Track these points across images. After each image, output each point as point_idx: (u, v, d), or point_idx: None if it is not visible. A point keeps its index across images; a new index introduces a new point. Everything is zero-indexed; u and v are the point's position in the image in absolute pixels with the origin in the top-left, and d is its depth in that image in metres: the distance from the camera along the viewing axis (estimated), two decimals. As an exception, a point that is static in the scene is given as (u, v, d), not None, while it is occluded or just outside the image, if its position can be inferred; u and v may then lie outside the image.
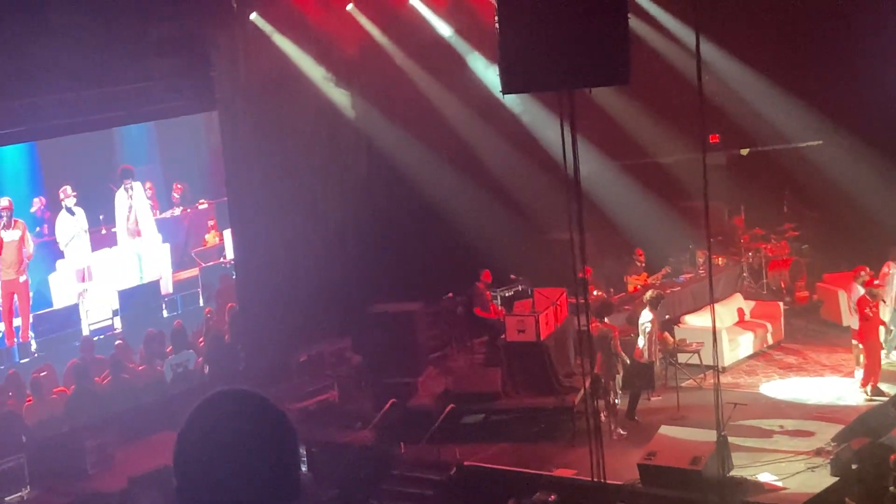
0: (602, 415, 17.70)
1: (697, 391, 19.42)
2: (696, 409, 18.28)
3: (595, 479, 13.80)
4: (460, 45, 24.28)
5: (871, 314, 18.94)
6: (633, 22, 13.99)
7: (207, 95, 20.86)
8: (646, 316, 18.86)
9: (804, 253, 25.05)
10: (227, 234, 22.50)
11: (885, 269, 20.14)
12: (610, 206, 24.45)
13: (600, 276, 23.13)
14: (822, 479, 15.74)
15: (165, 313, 21.83)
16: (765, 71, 24.50)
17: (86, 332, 20.47)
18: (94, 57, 18.32)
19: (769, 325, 21.84)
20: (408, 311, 20.40)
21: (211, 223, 23.24)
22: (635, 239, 24.16)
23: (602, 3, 12.64)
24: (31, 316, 19.96)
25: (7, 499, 17.09)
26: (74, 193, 20.36)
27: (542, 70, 12.69)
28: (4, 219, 19.28)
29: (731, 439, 16.24)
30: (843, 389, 19.18)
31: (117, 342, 20.61)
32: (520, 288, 22.75)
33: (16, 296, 19.75)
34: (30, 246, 19.74)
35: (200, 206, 23.37)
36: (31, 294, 20.14)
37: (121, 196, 21.25)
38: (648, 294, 19.42)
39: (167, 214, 22.78)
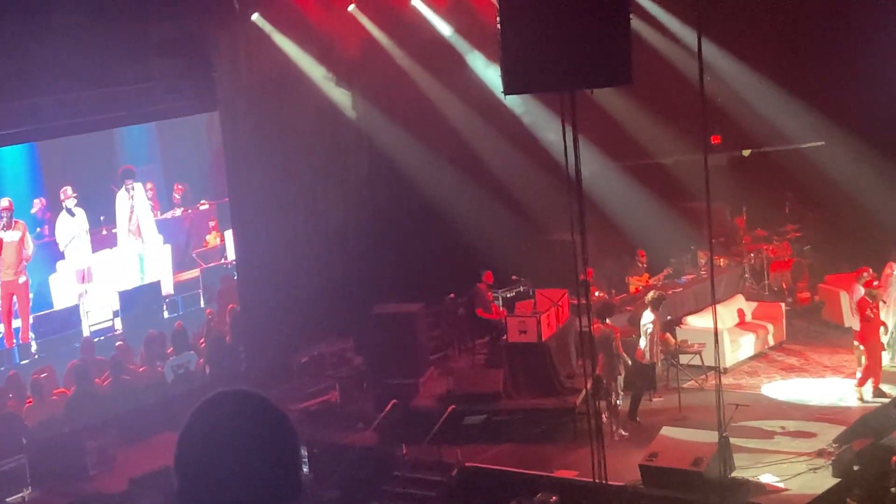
0: (603, 416, 17.68)
1: (699, 392, 19.41)
2: (698, 410, 18.27)
3: (597, 480, 13.80)
4: (460, 45, 24.26)
5: (871, 315, 18.93)
6: (635, 23, 13.95)
7: (208, 96, 20.85)
8: (647, 317, 18.84)
9: (806, 254, 25.05)
10: (229, 234, 22.48)
11: (887, 270, 20.12)
12: (611, 206, 24.43)
13: (602, 276, 23.12)
14: (824, 481, 15.73)
15: (166, 314, 21.80)
16: (766, 72, 24.51)
17: (86, 333, 20.44)
18: (94, 57, 18.32)
19: (771, 326, 21.82)
20: (409, 311, 20.39)
21: (212, 224, 23.22)
22: (637, 240, 24.15)
23: (603, 3, 12.64)
24: (31, 317, 19.93)
25: (8, 499, 17.09)
26: (75, 194, 20.33)
27: (543, 71, 12.70)
28: (4, 219, 19.25)
29: (732, 440, 16.23)
30: (845, 390, 19.16)
31: (118, 343, 20.58)
32: (521, 289, 22.73)
33: (15, 297, 19.71)
34: (29, 247, 19.71)
35: (201, 207, 23.34)
36: (31, 295, 20.10)
37: (122, 197, 21.22)
38: (650, 295, 19.41)
39: (168, 215, 22.75)
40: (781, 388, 19.82)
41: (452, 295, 22.49)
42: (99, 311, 20.83)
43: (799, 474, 16.04)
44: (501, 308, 22.10)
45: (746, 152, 25.46)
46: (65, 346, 20.13)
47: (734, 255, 24.64)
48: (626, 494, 15.92)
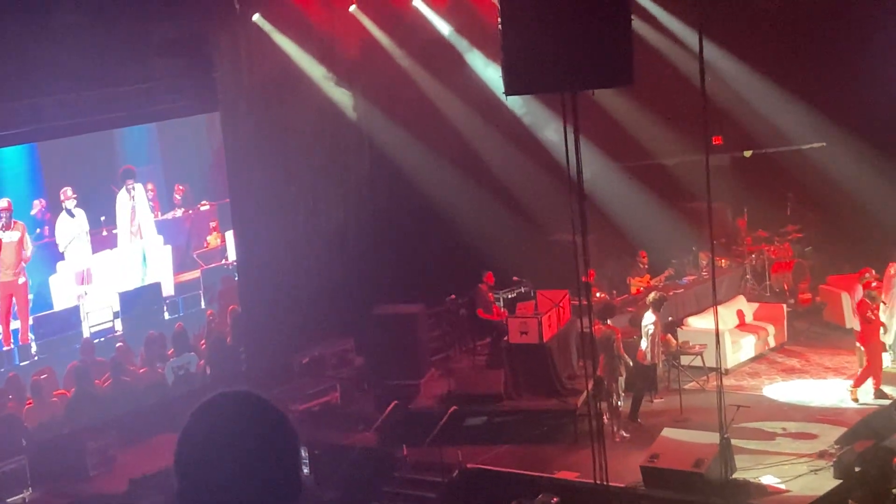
0: (605, 417, 17.68)
1: (700, 393, 19.39)
2: (699, 412, 18.24)
3: (598, 482, 13.78)
4: (460, 44, 24.24)
5: (872, 317, 18.91)
6: (636, 23, 13.92)
7: (209, 96, 20.83)
8: (648, 318, 18.83)
9: (807, 255, 25.03)
10: (229, 235, 22.46)
11: (890, 271, 20.09)
12: (613, 207, 24.42)
13: (603, 277, 23.10)
14: (825, 482, 15.71)
15: (167, 315, 21.78)
16: (768, 72, 24.50)
17: (86, 334, 20.42)
18: (95, 57, 18.30)
19: (772, 328, 21.81)
20: (410, 312, 20.39)
21: (213, 224, 23.20)
22: (638, 241, 24.14)
23: (605, 4, 12.63)
24: (30, 318, 19.91)
25: (9, 500, 17.08)
26: (75, 195, 20.31)
27: (544, 71, 12.69)
28: (3, 220, 19.21)
29: (733, 442, 16.23)
30: (847, 392, 19.12)
31: (118, 344, 20.56)
32: (522, 290, 22.71)
33: (14, 298, 19.69)
34: (28, 247, 19.68)
35: (202, 208, 23.33)
36: (31, 296, 20.08)
37: (122, 197, 21.21)
38: (651, 296, 19.40)
39: (169, 216, 22.74)
40: (783, 390, 19.80)
41: (453, 296, 22.48)
42: (99, 313, 20.81)
43: (800, 476, 16.03)
44: (502, 309, 22.08)
45: (748, 153, 25.43)
46: (65, 347, 20.10)
47: (735, 256, 24.63)
48: (627, 496, 15.91)
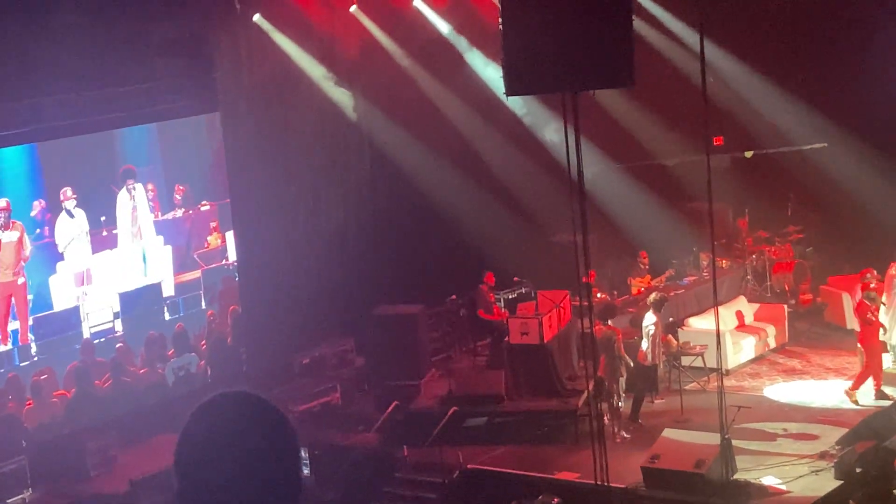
0: (605, 418, 17.67)
1: (701, 394, 19.39)
2: (700, 412, 18.23)
3: (598, 483, 13.78)
4: (459, 43, 24.23)
5: (872, 318, 18.89)
6: (637, 24, 13.91)
7: (210, 97, 20.82)
8: (649, 318, 18.82)
9: (808, 255, 25.03)
10: (230, 235, 22.45)
11: (891, 271, 20.08)
12: (613, 208, 24.41)
13: (604, 278, 23.10)
14: (826, 483, 15.70)
15: (167, 316, 21.75)
16: (769, 73, 24.50)
17: (86, 334, 20.38)
18: (95, 58, 18.28)
19: (773, 328, 21.81)
20: (410, 313, 20.38)
21: (213, 225, 23.17)
22: (639, 241, 24.13)
23: (606, 5, 12.61)
24: (30, 318, 19.88)
25: (9, 501, 17.08)
26: (74, 196, 20.29)
27: (545, 72, 12.69)
28: (2, 220, 19.19)
29: (734, 442, 16.22)
30: (845, 395, 19.08)
31: (118, 345, 20.53)
32: (523, 290, 22.72)
33: (14, 298, 19.66)
34: (27, 248, 19.65)
35: (202, 208, 23.29)
36: (30, 296, 20.05)
37: (123, 197, 21.18)
38: (652, 296, 19.39)
39: (169, 216, 22.70)
40: (783, 390, 19.79)
41: (454, 296, 22.47)
42: (99, 313, 20.78)
43: (801, 476, 16.02)
44: (503, 309, 22.08)
45: (748, 153, 25.42)
46: (65, 347, 20.07)
47: (736, 256, 24.62)
48: (627, 496, 15.90)
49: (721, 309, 17.08)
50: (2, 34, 17.38)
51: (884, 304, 19.48)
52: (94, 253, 20.82)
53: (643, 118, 24.71)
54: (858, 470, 15.32)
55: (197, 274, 22.53)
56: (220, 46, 20.81)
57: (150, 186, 22.00)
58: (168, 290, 21.97)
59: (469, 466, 17.67)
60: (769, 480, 16.00)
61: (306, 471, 17.41)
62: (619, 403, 18.30)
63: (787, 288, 24.25)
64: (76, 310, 20.36)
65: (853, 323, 20.20)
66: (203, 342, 21.60)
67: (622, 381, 18.30)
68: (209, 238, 23.13)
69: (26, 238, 19.59)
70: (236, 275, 22.26)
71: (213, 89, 20.73)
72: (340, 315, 22.10)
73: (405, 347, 19.94)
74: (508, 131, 24.40)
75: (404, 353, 19.89)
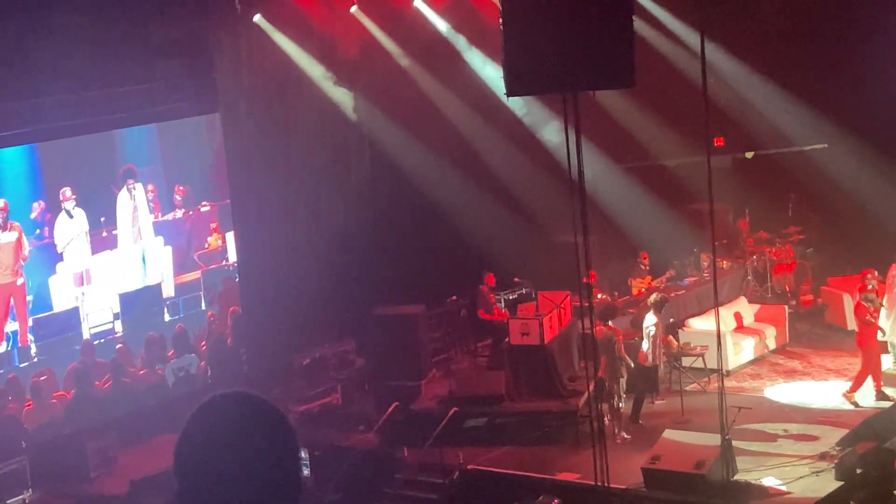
0: (606, 418, 17.64)
1: (701, 395, 19.38)
2: (701, 413, 18.22)
3: (599, 483, 13.76)
4: (458, 42, 24.21)
5: (871, 320, 18.86)
6: (637, 24, 13.90)
7: (210, 97, 20.82)
8: (650, 319, 18.81)
9: (809, 256, 25.02)
10: (230, 236, 22.45)
11: (893, 272, 20.06)
12: (614, 208, 24.40)
13: (604, 279, 23.07)
14: (827, 484, 15.68)
15: (167, 317, 21.76)
16: (769, 73, 24.49)
17: (86, 335, 20.39)
18: (95, 58, 18.28)
19: (774, 329, 21.79)
20: (411, 313, 20.37)
21: (213, 226, 23.18)
22: (639, 242, 24.11)
23: (606, 5, 12.60)
24: (30, 319, 19.87)
25: (9, 501, 17.07)
26: (74, 196, 20.29)
27: (546, 72, 12.66)
28: (0, 221, 19.20)
29: (735, 443, 16.20)
30: (843, 398, 19.06)
31: (118, 346, 20.54)
32: (523, 291, 22.71)
33: (13, 299, 19.64)
34: (25, 248, 19.64)
35: (203, 209, 23.30)
36: (30, 297, 20.04)
37: (123, 197, 21.19)
38: (652, 297, 19.37)
39: (169, 217, 22.71)
40: (784, 391, 19.78)
41: (454, 297, 22.46)
42: (99, 314, 20.78)
43: (802, 477, 16.01)
44: (504, 310, 22.07)
45: (749, 154, 25.43)
46: (65, 348, 20.07)
47: (737, 257, 24.60)
48: (628, 497, 15.88)
49: (722, 310, 17.07)
50: (2, 34, 17.37)
51: (884, 307, 19.46)
52: (93, 254, 20.82)
53: (644, 119, 24.69)
54: (859, 471, 15.27)
55: (197, 275, 22.54)
56: (220, 47, 20.81)
57: (150, 187, 22.00)
58: (168, 291, 21.98)
59: (469, 467, 17.66)
60: (770, 481, 15.99)
61: (306, 471, 17.40)
62: (620, 404, 18.29)
63: (787, 289, 24.24)
64: (76, 311, 20.36)
65: (854, 324, 20.18)
66: (203, 343, 21.60)
67: (623, 381, 18.28)
68: (209, 239, 23.14)
69: (24, 239, 19.58)
70: (236, 275, 22.26)
71: (214, 90, 20.73)
72: (341, 315, 22.09)
73: (405, 348, 19.93)
74: (509, 131, 24.39)
75: (405, 353, 19.88)
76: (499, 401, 19.04)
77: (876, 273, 19.79)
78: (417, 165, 23.40)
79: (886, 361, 19.81)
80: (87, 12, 17.92)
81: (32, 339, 19.84)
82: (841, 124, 23.87)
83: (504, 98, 15.34)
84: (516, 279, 23.10)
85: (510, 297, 22.60)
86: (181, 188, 23.09)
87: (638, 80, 12.67)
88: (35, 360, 19.81)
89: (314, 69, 22.23)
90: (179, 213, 22.92)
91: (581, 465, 16.42)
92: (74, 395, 19.16)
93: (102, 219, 21.10)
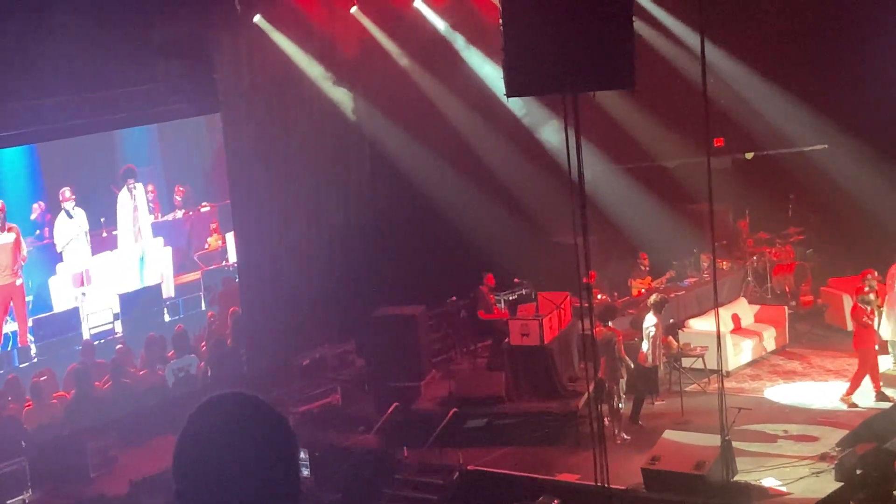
0: (606, 419, 17.65)
1: (701, 395, 19.37)
2: (700, 414, 18.22)
3: (598, 484, 13.75)
4: (457, 41, 24.21)
5: (868, 321, 18.85)
6: (637, 25, 13.90)
7: (210, 97, 20.82)
8: (650, 320, 18.80)
9: (809, 257, 25.00)
10: (230, 237, 22.45)
11: (894, 270, 20.05)
12: (614, 209, 24.40)
13: (604, 279, 23.07)
14: (827, 485, 15.67)
15: (167, 317, 21.76)
16: (770, 74, 24.47)
17: (86, 336, 20.39)
18: (95, 59, 18.26)
19: (774, 330, 21.77)
20: (410, 314, 20.36)
21: (213, 226, 23.19)
22: (639, 242, 24.11)
23: (606, 6, 12.59)
24: (30, 320, 19.87)
25: (9, 502, 17.07)
26: (73, 196, 20.29)
27: (545, 73, 12.66)
28: (-3, 222, 19.21)
29: (735, 444, 16.19)
30: (841, 401, 19.05)
31: (118, 346, 20.53)
32: (523, 291, 22.71)
33: (12, 300, 19.63)
34: (24, 249, 19.63)
35: (203, 209, 23.31)
36: (30, 298, 20.04)
37: (124, 196, 21.19)
38: (652, 298, 19.37)
39: (169, 217, 22.71)
40: (784, 392, 19.77)
41: (454, 297, 22.45)
42: (99, 314, 20.79)
43: (801, 478, 16.00)
44: (503, 311, 22.07)
45: (749, 155, 25.42)
46: (65, 348, 20.07)
47: (737, 258, 24.59)
48: (628, 498, 15.87)
49: (721, 310, 17.06)
50: (2, 34, 17.37)
51: (878, 308, 19.44)
52: (93, 254, 20.83)
53: (644, 119, 24.68)
54: (859, 472, 15.30)
55: (197, 275, 22.54)
56: (220, 47, 20.81)
57: (150, 187, 22.01)
58: (168, 292, 21.99)
59: (469, 468, 17.66)
60: (769, 482, 15.98)
61: (306, 472, 17.40)
62: (620, 405, 18.28)
63: (787, 289, 24.23)
64: (76, 311, 20.36)
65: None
66: (203, 343, 21.59)
67: (622, 382, 18.28)
68: (209, 239, 23.14)
69: (22, 240, 19.57)
70: (236, 276, 22.26)
71: (214, 90, 20.73)
72: (341, 316, 22.09)
73: (405, 348, 19.92)
74: (509, 132, 24.39)
75: (404, 354, 19.87)
76: (499, 401, 19.04)
77: (876, 273, 19.78)
78: (417, 165, 23.40)
79: (886, 362, 19.83)
80: (87, 12, 17.90)
81: (32, 339, 19.84)
82: (841, 125, 23.85)
83: (504, 98, 15.33)
84: (516, 280, 23.10)
85: (510, 298, 22.60)
86: (181, 189, 23.09)
87: (638, 80, 12.67)
88: (35, 360, 19.81)
89: (314, 69, 22.23)
90: (179, 214, 22.93)
91: (581, 466, 16.41)
92: (74, 396, 19.16)
93: (102, 219, 21.11)
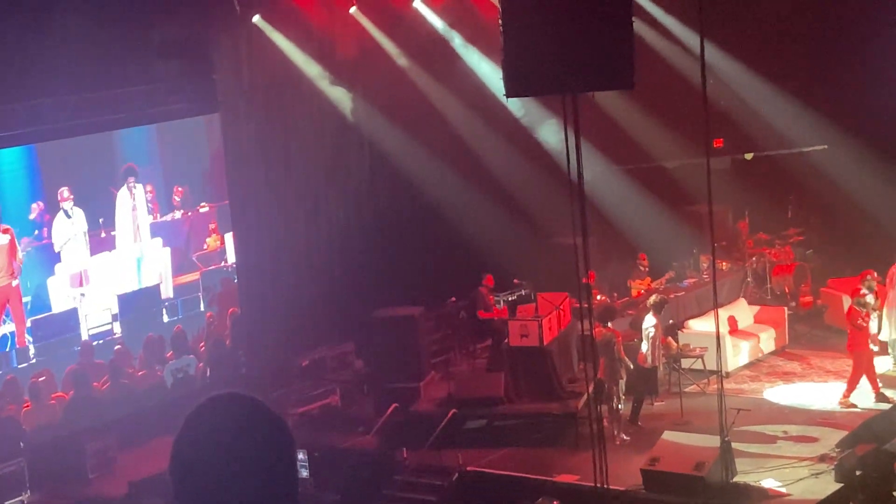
0: (605, 420, 17.61)
1: (701, 396, 19.36)
2: (700, 415, 18.20)
3: (598, 485, 13.73)
4: (455, 40, 24.19)
5: (863, 324, 18.83)
6: (637, 25, 13.89)
7: (209, 98, 20.80)
8: (649, 321, 18.79)
9: (808, 258, 24.99)
10: (229, 237, 22.43)
11: (893, 271, 20.03)
12: (613, 210, 24.39)
13: (604, 280, 23.06)
14: (826, 486, 15.67)
15: (166, 318, 21.75)
16: (769, 75, 24.47)
17: (85, 336, 20.38)
18: (95, 59, 18.26)
19: (773, 331, 21.76)
20: (410, 315, 20.34)
21: (212, 227, 23.18)
22: (639, 243, 24.10)
23: (606, 6, 12.58)
24: (28, 320, 19.85)
25: (7, 503, 17.05)
26: (72, 196, 20.27)
27: (545, 73, 12.64)
28: (-7, 223, 19.19)
29: (734, 445, 16.19)
30: (838, 404, 19.03)
31: (117, 347, 20.51)
32: (523, 292, 22.68)
33: (9, 301, 19.60)
34: (19, 251, 19.59)
35: (201, 210, 23.30)
36: (28, 298, 20.02)
37: (123, 195, 21.18)
38: (652, 299, 19.36)
39: (168, 218, 22.70)
40: (783, 393, 19.76)
41: (454, 298, 22.43)
42: (98, 315, 20.77)
43: (801, 479, 16.00)
44: (503, 311, 22.06)
45: (749, 156, 25.42)
46: (63, 349, 20.06)
47: (736, 258, 24.58)
48: (627, 499, 15.87)
49: (721, 311, 17.04)
50: (2, 34, 17.35)
51: (876, 311, 19.42)
52: (92, 255, 20.81)
53: (643, 120, 24.68)
54: (858, 473, 15.29)
55: (196, 276, 22.53)
56: (219, 47, 20.80)
57: (148, 188, 22.00)
58: (167, 292, 21.98)
59: (468, 469, 17.64)
60: (769, 483, 15.97)
61: (305, 473, 17.38)
62: (619, 406, 18.27)
63: (787, 290, 24.21)
64: (74, 312, 20.35)
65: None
66: (202, 344, 21.57)
67: (622, 383, 18.27)
68: (208, 240, 23.14)
69: (17, 242, 19.54)
70: (235, 277, 22.24)
71: (213, 90, 20.71)
72: (340, 317, 22.07)
73: (405, 349, 19.90)
74: (508, 132, 24.37)
75: (404, 355, 19.85)
76: (498, 402, 19.02)
77: (875, 274, 19.76)
78: (417, 166, 23.38)
79: (887, 363, 19.82)
80: (87, 12, 17.90)
81: (31, 340, 19.82)
82: (841, 125, 23.85)
83: (503, 98, 15.32)
84: (515, 280, 23.08)
85: (509, 299, 22.58)
86: (180, 189, 23.09)
87: (637, 81, 12.65)
88: (33, 361, 19.80)
89: (313, 69, 22.21)
90: (178, 214, 22.92)
91: (580, 467, 16.39)
92: (73, 397, 19.13)
93: (101, 219, 21.10)
